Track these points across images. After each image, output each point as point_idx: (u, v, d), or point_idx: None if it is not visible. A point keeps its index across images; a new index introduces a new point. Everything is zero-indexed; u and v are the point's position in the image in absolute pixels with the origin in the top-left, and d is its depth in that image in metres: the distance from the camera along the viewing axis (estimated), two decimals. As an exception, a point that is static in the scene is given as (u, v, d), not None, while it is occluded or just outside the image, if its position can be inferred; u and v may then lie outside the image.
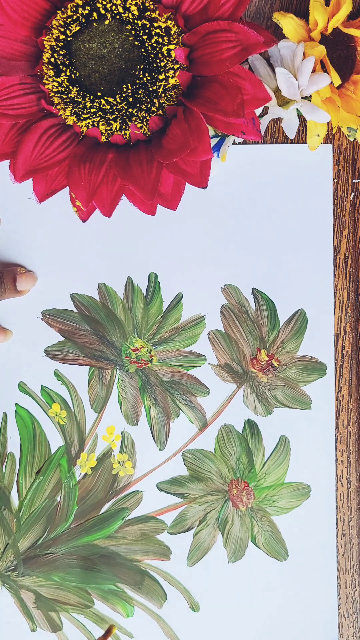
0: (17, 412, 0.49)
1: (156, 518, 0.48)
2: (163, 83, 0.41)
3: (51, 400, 0.49)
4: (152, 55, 0.41)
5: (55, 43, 0.42)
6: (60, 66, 0.42)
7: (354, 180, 0.48)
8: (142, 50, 0.41)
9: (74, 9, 0.41)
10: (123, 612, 0.48)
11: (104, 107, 0.42)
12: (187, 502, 0.48)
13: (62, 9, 0.41)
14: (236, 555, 0.48)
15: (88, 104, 0.42)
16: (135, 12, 0.40)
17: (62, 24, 0.41)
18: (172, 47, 0.41)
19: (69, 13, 0.41)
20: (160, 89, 0.41)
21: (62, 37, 0.41)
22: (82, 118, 0.42)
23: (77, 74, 0.42)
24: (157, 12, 0.41)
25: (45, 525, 0.48)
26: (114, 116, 0.42)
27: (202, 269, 0.48)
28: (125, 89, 0.41)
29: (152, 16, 0.41)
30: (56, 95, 0.43)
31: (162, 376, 0.48)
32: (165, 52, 0.41)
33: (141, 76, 0.41)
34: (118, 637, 0.48)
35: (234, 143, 0.47)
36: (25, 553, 0.48)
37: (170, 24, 0.41)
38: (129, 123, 0.42)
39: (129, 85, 0.41)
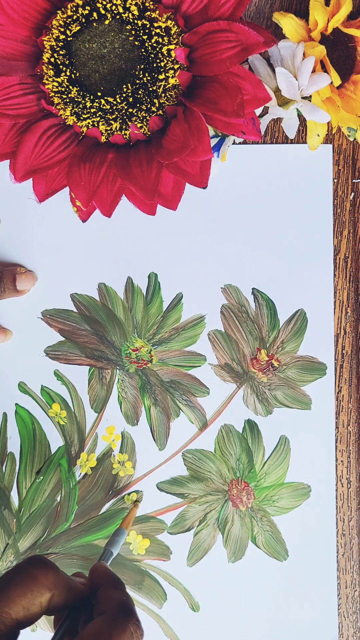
0: (17, 412, 0.49)
1: (156, 518, 0.48)
2: (163, 83, 0.41)
3: (51, 400, 0.49)
4: (152, 55, 0.41)
5: (55, 43, 0.42)
6: (60, 66, 0.42)
7: (354, 180, 0.48)
8: (142, 50, 0.41)
9: (74, 9, 0.41)
10: (123, 612, 0.48)
11: (104, 107, 0.42)
12: (187, 502, 0.48)
13: (62, 9, 0.41)
14: (236, 555, 0.48)
15: (88, 104, 0.42)
16: (135, 12, 0.40)
17: (62, 24, 0.41)
18: (172, 47, 0.41)
19: (69, 13, 0.41)
20: (160, 89, 0.41)
21: (62, 37, 0.41)
22: (82, 118, 0.42)
23: (77, 74, 0.42)
24: (157, 12, 0.41)
25: (45, 525, 0.48)
26: (114, 116, 0.42)
27: (202, 269, 0.48)
28: (125, 89, 0.41)
29: (152, 16, 0.41)
30: (56, 95, 0.43)
31: (162, 376, 0.48)
32: (165, 52, 0.41)
33: (141, 76, 0.41)
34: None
35: (234, 143, 0.47)
36: (25, 553, 0.48)
37: (170, 24, 0.41)
38: (129, 123, 0.42)
39: (129, 85, 0.41)
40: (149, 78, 0.41)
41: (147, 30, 0.41)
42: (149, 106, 0.42)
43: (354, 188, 0.48)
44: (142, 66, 0.41)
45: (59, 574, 0.31)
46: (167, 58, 0.41)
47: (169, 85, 0.42)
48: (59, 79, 0.42)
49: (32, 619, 0.30)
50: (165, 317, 0.48)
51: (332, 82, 0.43)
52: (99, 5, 0.41)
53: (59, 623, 0.33)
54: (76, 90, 0.42)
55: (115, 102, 0.41)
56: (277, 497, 0.48)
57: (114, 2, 0.40)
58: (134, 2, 0.40)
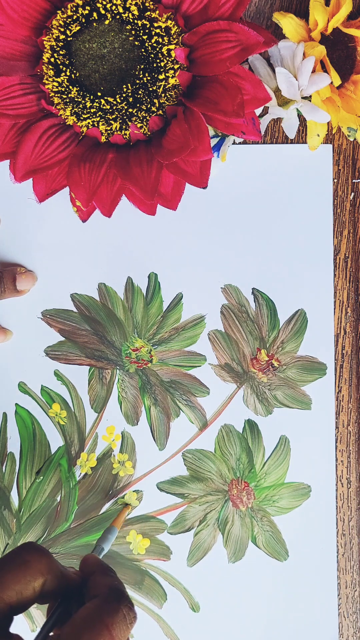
0: (17, 412, 0.49)
1: (156, 518, 0.48)
2: (163, 83, 0.41)
3: (51, 400, 0.49)
4: (152, 55, 0.41)
5: (55, 43, 0.42)
6: (60, 66, 0.42)
7: (354, 180, 0.48)
8: (142, 50, 0.41)
9: (74, 9, 0.41)
10: (123, 612, 0.48)
11: (104, 107, 0.42)
12: (187, 502, 0.48)
13: (62, 9, 0.41)
14: (236, 555, 0.48)
15: (88, 104, 0.42)
16: (135, 12, 0.40)
17: (62, 24, 0.41)
18: (172, 47, 0.41)
19: (69, 13, 0.41)
20: (160, 89, 0.41)
21: (62, 37, 0.41)
22: (82, 118, 0.42)
23: (77, 74, 0.42)
24: (157, 12, 0.41)
25: (45, 525, 0.48)
26: (114, 116, 0.42)
27: (202, 269, 0.48)
28: (125, 89, 0.41)
29: (152, 16, 0.41)
30: (56, 95, 0.43)
31: (162, 376, 0.48)
32: (165, 52, 0.41)
33: (141, 76, 0.41)
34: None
35: (234, 143, 0.47)
36: (25, 553, 0.48)
37: (170, 24, 0.41)
38: (129, 123, 0.42)
39: (129, 85, 0.41)
40: (149, 78, 0.41)
41: (147, 30, 0.41)
42: (149, 106, 0.42)
43: (354, 188, 0.48)
44: (142, 66, 0.41)
45: (52, 560, 0.32)
46: (167, 58, 0.41)
47: (169, 85, 0.42)
48: (59, 79, 0.42)
49: (26, 604, 0.31)
50: (165, 317, 0.48)
51: (332, 82, 0.43)
52: (99, 5, 0.41)
53: (50, 612, 0.33)
54: (76, 90, 0.42)
55: (115, 102, 0.41)
56: (277, 497, 0.48)
57: (114, 2, 0.40)
58: (134, 2, 0.40)
